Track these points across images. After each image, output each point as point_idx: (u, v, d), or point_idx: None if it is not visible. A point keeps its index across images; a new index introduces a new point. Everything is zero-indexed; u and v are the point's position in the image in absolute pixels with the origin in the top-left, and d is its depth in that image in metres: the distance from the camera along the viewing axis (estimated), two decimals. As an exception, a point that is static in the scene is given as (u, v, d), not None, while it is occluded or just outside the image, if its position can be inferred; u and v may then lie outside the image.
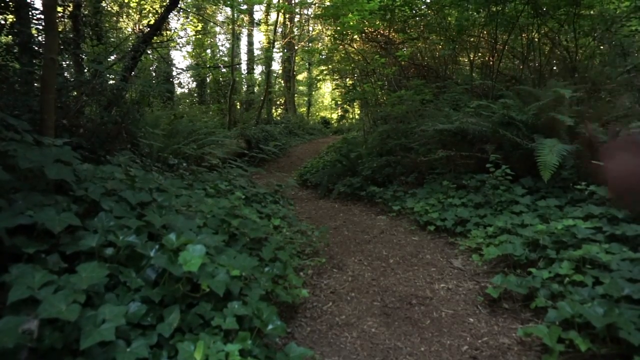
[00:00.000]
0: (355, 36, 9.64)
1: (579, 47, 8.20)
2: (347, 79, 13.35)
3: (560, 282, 2.39)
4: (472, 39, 9.20)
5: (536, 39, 8.19)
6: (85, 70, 8.32)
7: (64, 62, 5.75)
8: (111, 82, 4.94)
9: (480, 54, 9.41)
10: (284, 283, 2.12)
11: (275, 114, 18.76)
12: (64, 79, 4.72)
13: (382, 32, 10.68)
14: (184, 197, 2.32)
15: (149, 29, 7.08)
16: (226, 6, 11.33)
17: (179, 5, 10.06)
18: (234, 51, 13.46)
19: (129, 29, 16.49)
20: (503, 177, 4.06)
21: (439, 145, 5.31)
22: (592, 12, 7.96)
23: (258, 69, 19.79)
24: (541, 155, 3.60)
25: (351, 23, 8.13)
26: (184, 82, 18.69)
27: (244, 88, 17.22)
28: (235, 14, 12.42)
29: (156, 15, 13.74)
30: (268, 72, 13.66)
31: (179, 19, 15.17)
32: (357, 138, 10.35)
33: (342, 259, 3.42)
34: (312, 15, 16.45)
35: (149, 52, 8.15)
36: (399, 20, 10.11)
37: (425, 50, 10.49)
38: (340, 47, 9.71)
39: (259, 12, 17.46)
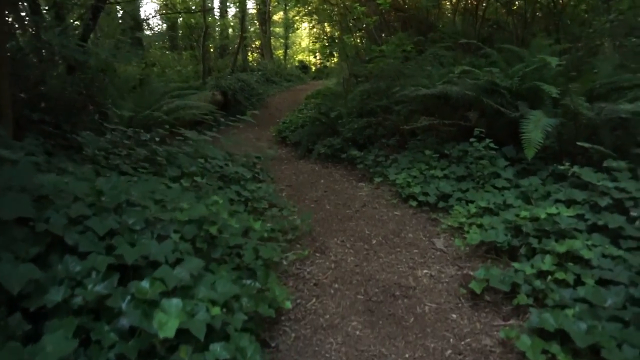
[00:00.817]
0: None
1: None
2: (326, 24, 12.75)
3: (542, 278, 2.39)
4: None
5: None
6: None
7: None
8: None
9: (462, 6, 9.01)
10: (266, 297, 2.05)
11: (250, 58, 18.00)
12: (17, 44, 4.28)
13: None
14: (157, 205, 2.16)
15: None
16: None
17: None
18: (205, -5, 12.57)
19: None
20: (486, 150, 3.98)
21: (421, 109, 5.16)
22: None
23: (232, 11, 18.70)
24: (525, 132, 3.49)
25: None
26: (153, 25, 17.53)
27: (218, 33, 16.32)
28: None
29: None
30: (242, 17, 12.89)
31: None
32: (336, 90, 10.06)
33: (324, 241, 3.36)
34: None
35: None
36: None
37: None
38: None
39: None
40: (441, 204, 3.83)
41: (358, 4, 8.62)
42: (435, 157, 4.45)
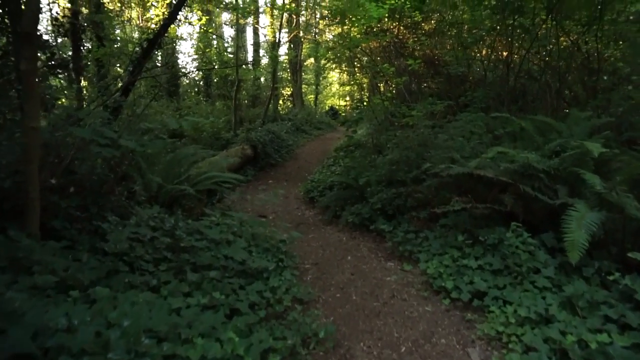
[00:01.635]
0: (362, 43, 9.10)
1: (601, 55, 7.65)
2: (356, 71, 12.85)
3: None
4: (484, 51, 8.66)
5: (554, 47, 7.64)
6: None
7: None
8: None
9: (494, 57, 8.87)
10: None
11: (282, 107, 18.29)
12: (50, 132, 4.24)
13: (391, 28, 10.14)
14: (169, 342, 2.01)
15: (141, 50, 6.66)
16: (230, 10, 10.76)
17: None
18: (238, 51, 12.92)
19: (133, 23, 15.99)
20: (524, 243, 3.69)
21: (452, 184, 4.94)
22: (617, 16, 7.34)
23: (264, 59, 19.22)
24: (568, 232, 3.22)
25: (355, 35, 7.64)
26: (189, 71, 18.09)
27: (251, 82, 16.73)
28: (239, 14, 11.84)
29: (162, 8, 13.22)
30: (274, 70, 13.16)
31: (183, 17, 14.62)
32: (365, 143, 9.96)
33: (349, 348, 3.12)
34: (318, 15, 15.75)
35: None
36: (408, 20, 9.56)
37: (438, 48, 9.94)
38: (346, 52, 9.19)
39: (264, 4, 16.79)
40: (476, 302, 3.54)
41: (387, 64, 8.62)
42: (469, 242, 4.18)
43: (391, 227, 5.32)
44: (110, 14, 12.14)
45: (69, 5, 9.17)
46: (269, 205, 7.76)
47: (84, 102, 8.73)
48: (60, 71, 5.76)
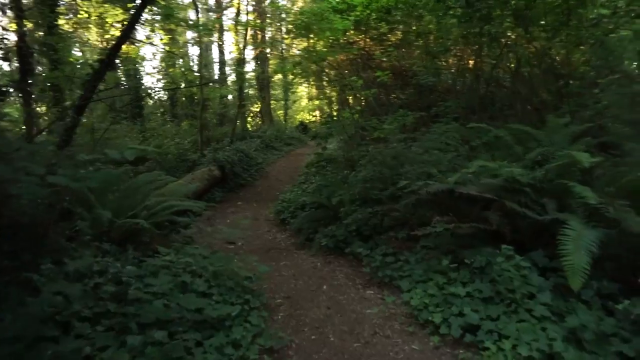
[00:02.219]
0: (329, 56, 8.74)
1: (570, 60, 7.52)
2: (324, 85, 12.50)
3: None
4: (450, 60, 8.45)
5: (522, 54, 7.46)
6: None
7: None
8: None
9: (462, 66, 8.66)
10: None
11: (250, 124, 17.76)
12: None
13: (357, 41, 9.84)
14: None
15: (93, 71, 6.08)
16: (190, 29, 10.25)
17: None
18: (202, 70, 12.37)
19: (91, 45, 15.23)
20: (516, 267, 3.30)
21: (431, 202, 4.54)
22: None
23: (231, 76, 18.71)
24: (566, 255, 2.84)
25: (322, 49, 7.28)
26: (153, 93, 17.37)
27: (217, 100, 16.15)
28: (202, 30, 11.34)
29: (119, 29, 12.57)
30: (240, 88, 12.67)
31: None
32: (336, 158, 9.56)
33: (328, 406, 2.63)
34: (283, 30, 15.42)
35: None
36: (374, 32, 9.28)
37: (405, 59, 9.68)
38: (312, 66, 8.81)
39: (228, 21, 16.34)
40: (468, 338, 3.10)
41: (355, 77, 8.27)
42: (454, 266, 3.77)
43: (368, 250, 4.86)
44: (64, 35, 11.42)
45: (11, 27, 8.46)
46: (245, 223, 7.22)
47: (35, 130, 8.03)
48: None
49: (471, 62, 8.93)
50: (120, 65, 13.51)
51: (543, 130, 4.85)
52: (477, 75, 7.67)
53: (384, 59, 9.09)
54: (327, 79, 9.92)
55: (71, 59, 12.03)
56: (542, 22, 7.19)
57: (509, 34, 7.62)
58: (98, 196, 5.00)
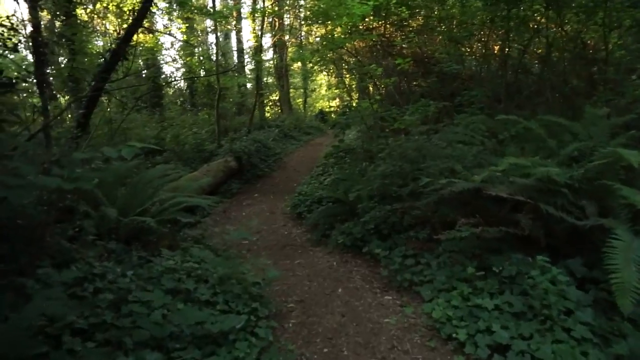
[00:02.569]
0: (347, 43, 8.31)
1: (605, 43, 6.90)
2: (343, 73, 12.06)
3: None
4: (475, 46, 7.92)
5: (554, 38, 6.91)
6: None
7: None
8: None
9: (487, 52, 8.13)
10: None
11: (269, 113, 17.45)
12: None
13: (377, 27, 9.36)
14: None
15: (104, 62, 5.87)
16: (207, 17, 9.93)
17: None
18: (218, 58, 12.06)
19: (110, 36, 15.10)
20: (553, 283, 2.92)
21: (456, 204, 4.16)
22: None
23: (249, 65, 18.38)
24: (615, 272, 2.45)
25: (339, 35, 6.88)
26: (171, 82, 17.19)
27: (236, 89, 15.87)
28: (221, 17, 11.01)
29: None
30: (257, 78, 12.34)
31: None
32: (355, 148, 9.20)
33: None
34: (301, 17, 14.94)
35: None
36: (395, 17, 8.80)
37: (427, 45, 9.18)
38: (331, 53, 8.39)
39: (246, 8, 15.94)
40: (497, 359, 2.76)
41: (375, 64, 7.85)
42: (480, 275, 3.41)
43: (387, 252, 4.53)
44: (82, 25, 11.25)
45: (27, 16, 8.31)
46: (253, 224, 6.98)
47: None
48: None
49: (497, 47, 8.39)
50: (138, 55, 13.34)
51: (579, 122, 4.40)
52: (504, 61, 7.14)
53: (405, 46, 8.62)
54: (345, 67, 9.49)
55: (91, 49, 11.91)
56: (574, 4, 6.59)
57: (537, 17, 7.07)
58: (107, 191, 4.81)
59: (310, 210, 6.73)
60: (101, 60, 6.99)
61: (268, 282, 3.58)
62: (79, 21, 11.25)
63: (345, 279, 4.51)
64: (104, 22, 13.91)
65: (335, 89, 17.67)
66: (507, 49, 7.20)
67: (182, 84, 17.41)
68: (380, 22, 9.14)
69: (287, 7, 14.14)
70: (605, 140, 3.98)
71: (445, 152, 4.80)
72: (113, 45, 6.85)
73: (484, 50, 8.04)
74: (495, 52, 8.16)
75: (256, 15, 12.35)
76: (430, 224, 4.57)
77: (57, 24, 11.15)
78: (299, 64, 21.96)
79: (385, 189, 5.18)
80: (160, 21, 16.15)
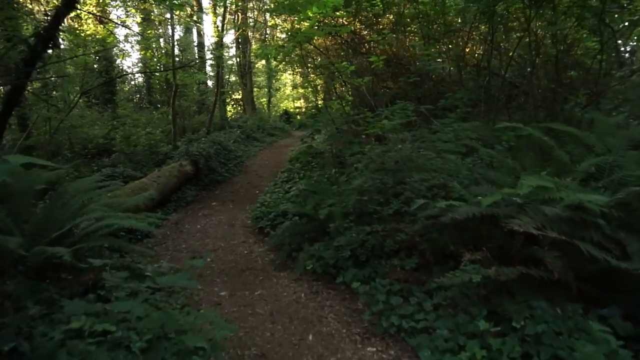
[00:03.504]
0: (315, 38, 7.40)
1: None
2: (309, 72, 11.13)
3: None
4: (458, 40, 7.19)
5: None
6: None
7: None
8: None
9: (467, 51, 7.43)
10: None
11: (231, 113, 16.24)
12: None
13: (346, 24, 8.47)
14: None
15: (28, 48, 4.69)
16: (160, 3, 8.71)
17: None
18: (174, 52, 10.80)
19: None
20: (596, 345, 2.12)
21: (453, 231, 3.33)
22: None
23: (210, 61, 17.08)
24: None
25: (306, 28, 5.97)
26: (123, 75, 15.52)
27: (195, 87, 14.57)
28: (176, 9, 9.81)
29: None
30: (217, 74, 11.18)
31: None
32: (323, 152, 8.31)
33: None
34: (263, 8, 13.86)
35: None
36: (366, 13, 7.96)
37: (400, 44, 8.39)
38: (297, 50, 7.44)
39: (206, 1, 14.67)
40: None
41: (346, 62, 6.96)
42: (495, 330, 2.57)
43: (366, 286, 3.64)
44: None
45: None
46: (209, 239, 5.95)
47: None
48: None
49: (475, 48, 7.72)
50: (86, 45, 11.86)
51: (591, 131, 3.68)
52: (487, 62, 6.45)
53: (376, 45, 7.80)
54: (312, 66, 8.57)
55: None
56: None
57: (519, 17, 6.43)
58: (15, 210, 3.68)
59: (274, 226, 5.76)
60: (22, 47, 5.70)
61: (216, 345, 2.59)
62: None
63: (316, 319, 3.59)
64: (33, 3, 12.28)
65: (301, 89, 16.75)
66: (489, 49, 6.52)
67: (140, 79, 15.93)
68: (350, 19, 8.29)
69: (251, 1, 13.03)
70: (626, 155, 3.27)
71: (433, 163, 3.97)
72: (39, 29, 5.61)
73: (461, 51, 7.34)
74: (475, 53, 7.49)
75: (218, 6, 11.19)
76: (418, 250, 3.72)
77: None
78: (263, 62, 20.86)
79: (363, 207, 4.29)
80: (114, 12, 14.64)
